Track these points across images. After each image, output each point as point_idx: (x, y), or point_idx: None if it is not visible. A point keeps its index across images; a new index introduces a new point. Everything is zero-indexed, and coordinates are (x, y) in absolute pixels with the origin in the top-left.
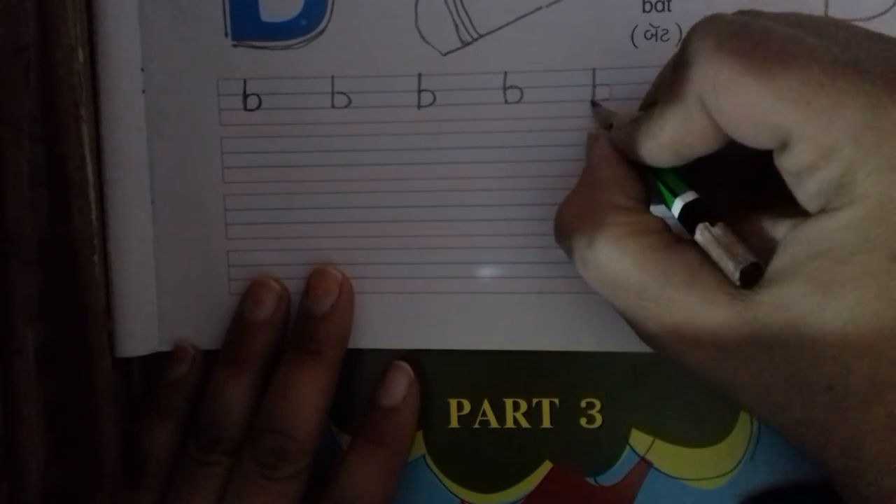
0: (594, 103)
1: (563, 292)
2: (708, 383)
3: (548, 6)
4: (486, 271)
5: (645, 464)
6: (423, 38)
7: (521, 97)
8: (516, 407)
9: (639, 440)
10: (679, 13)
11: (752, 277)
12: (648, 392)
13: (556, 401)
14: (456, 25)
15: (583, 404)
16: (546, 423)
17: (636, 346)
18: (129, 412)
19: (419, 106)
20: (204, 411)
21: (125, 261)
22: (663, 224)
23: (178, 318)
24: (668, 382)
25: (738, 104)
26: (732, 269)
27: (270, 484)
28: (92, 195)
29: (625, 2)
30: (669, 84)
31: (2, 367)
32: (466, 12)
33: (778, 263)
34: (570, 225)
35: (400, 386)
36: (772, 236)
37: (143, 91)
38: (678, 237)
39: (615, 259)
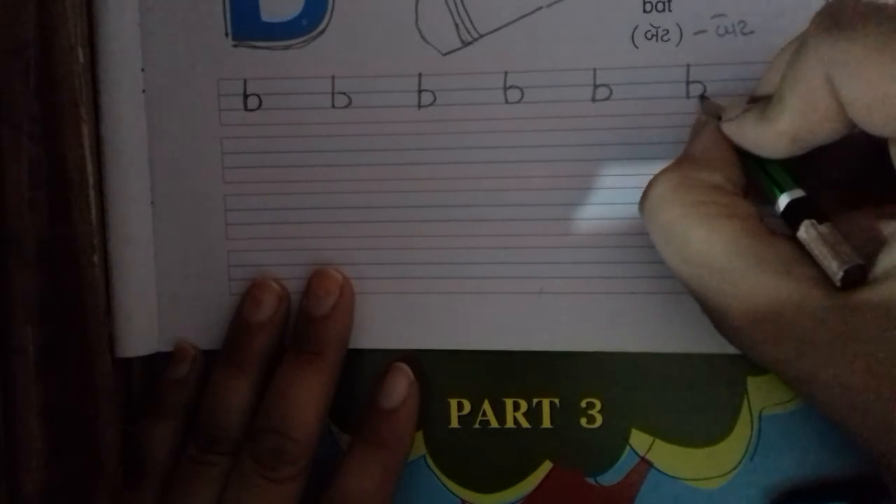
0: (703, 97)
1: (563, 292)
2: (781, 376)
3: (548, 6)
4: (487, 271)
5: (645, 464)
6: (423, 37)
7: (522, 97)
8: (516, 407)
9: (639, 440)
10: (679, 13)
11: (855, 279)
12: (648, 392)
13: (556, 401)
14: (456, 25)
15: (583, 404)
16: (546, 423)
17: (636, 345)
18: (129, 412)
19: (419, 106)
20: (203, 411)
21: (125, 261)
22: (757, 212)
23: (178, 318)
24: (668, 382)
25: (871, 85)
26: (836, 269)
27: (270, 485)
28: (92, 195)
29: (625, 2)
30: (793, 65)
31: (2, 367)
32: (467, 12)
33: (884, 262)
34: (662, 197)
35: (400, 388)
36: (875, 235)
37: (144, 91)
38: (772, 228)
39: (704, 237)
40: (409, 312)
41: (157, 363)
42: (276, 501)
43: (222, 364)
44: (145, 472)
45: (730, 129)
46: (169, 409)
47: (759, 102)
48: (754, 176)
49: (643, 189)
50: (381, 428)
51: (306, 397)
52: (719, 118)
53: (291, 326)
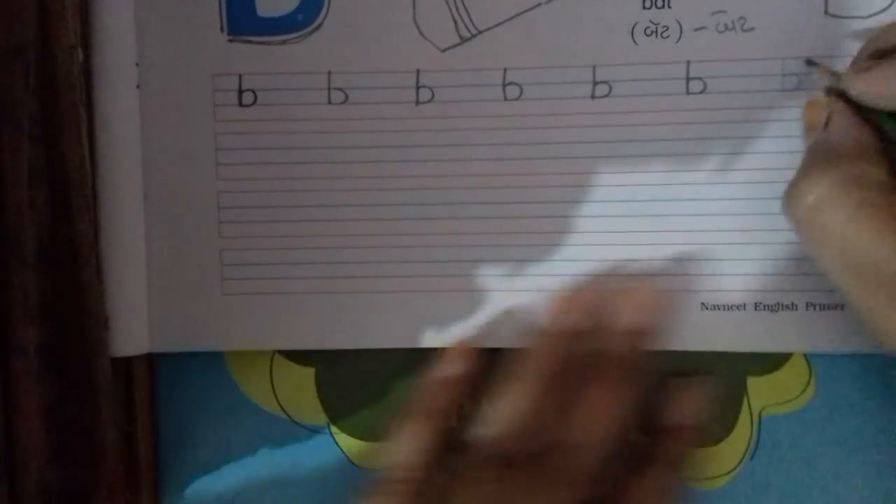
0: (810, 62)
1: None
2: None
3: (547, 2)
4: (485, 269)
5: None
6: (421, 33)
7: (521, 94)
8: None
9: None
10: (679, 10)
11: None
12: (648, 391)
13: None
14: (455, 21)
15: None
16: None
17: None
18: (129, 412)
19: (417, 102)
20: (486, 424)
21: (117, 258)
22: None
23: (170, 317)
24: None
25: None
26: None
27: (562, 497)
28: (92, 195)
29: None
30: None
31: (2, 367)
32: (465, 8)
33: None
34: (822, 198)
35: (689, 404)
36: None
37: (138, 86)
38: None
39: (872, 241)
40: (407, 309)
41: (158, 364)
42: None
43: (517, 372)
44: (391, 476)
45: (871, 86)
46: (436, 410)
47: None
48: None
49: (788, 190)
50: (666, 446)
51: (604, 412)
52: (830, 89)
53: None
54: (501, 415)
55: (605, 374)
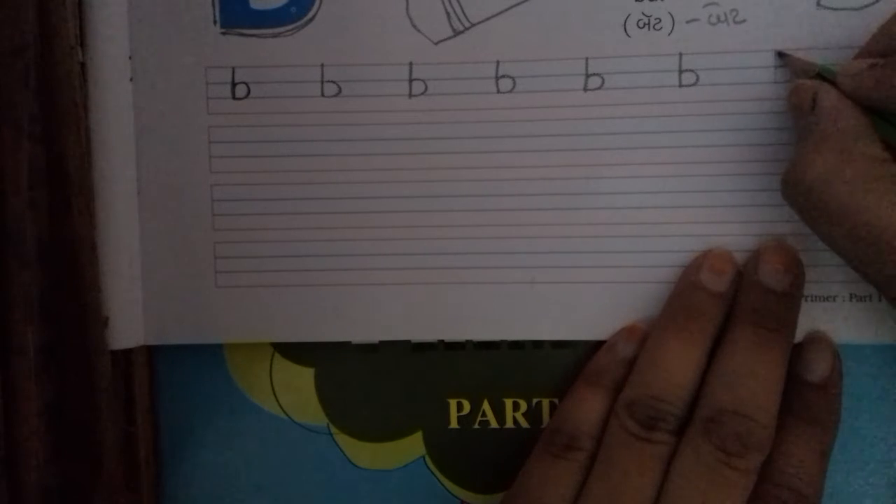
0: (781, 53)
1: (555, 282)
2: None
3: None
4: (479, 261)
5: None
6: (414, 26)
7: (514, 86)
8: (516, 407)
9: None
10: (671, 2)
11: None
12: None
13: (556, 401)
14: (448, 14)
15: None
16: (546, 423)
17: None
18: (129, 412)
19: (410, 95)
20: (648, 384)
21: (110, 251)
22: None
23: (163, 310)
24: None
25: None
26: None
27: (734, 474)
28: (91, 194)
29: None
30: None
31: (2, 367)
32: (458, 1)
33: None
34: (826, 176)
35: (824, 360)
36: None
37: (131, 79)
38: None
39: (884, 213)
40: (401, 303)
41: (158, 364)
42: (739, 494)
43: (670, 333)
44: (577, 445)
45: (859, 86)
46: (610, 384)
47: (892, 56)
48: (884, 134)
49: (788, 173)
50: (813, 404)
51: (770, 378)
52: (817, 75)
53: (741, 300)
54: (673, 379)
55: (766, 337)
